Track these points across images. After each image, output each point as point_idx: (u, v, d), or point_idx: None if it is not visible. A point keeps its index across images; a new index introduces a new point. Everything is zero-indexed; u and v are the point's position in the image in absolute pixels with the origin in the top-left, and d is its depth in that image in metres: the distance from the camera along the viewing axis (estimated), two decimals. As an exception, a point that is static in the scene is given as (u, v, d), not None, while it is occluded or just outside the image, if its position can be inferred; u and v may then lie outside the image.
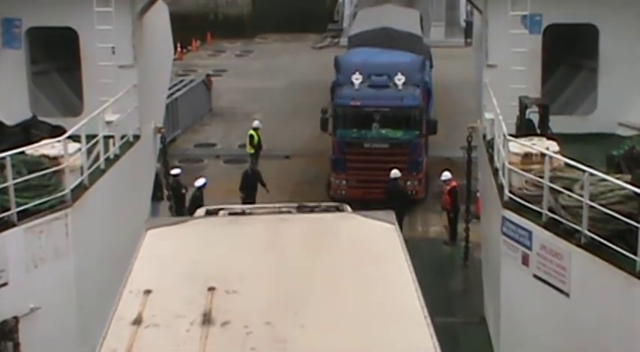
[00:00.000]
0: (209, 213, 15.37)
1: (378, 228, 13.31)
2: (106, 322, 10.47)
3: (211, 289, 11.04)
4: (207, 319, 10.41)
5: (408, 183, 30.54)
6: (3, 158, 15.98)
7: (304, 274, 11.73)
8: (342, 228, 13.53)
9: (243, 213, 14.99)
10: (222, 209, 15.67)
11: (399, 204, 27.99)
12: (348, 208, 15.44)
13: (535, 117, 20.33)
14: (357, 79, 31.69)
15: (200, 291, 11.03)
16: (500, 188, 17.63)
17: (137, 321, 10.42)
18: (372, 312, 10.55)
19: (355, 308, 10.66)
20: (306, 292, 11.16)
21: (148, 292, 11.09)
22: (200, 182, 28.03)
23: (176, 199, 27.16)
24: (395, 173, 28.53)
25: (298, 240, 13.10)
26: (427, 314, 10.54)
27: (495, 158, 19.20)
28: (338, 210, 15.25)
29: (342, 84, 32.51)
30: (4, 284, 15.94)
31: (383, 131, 31.26)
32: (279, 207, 15.33)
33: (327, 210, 15.11)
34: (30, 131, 20.41)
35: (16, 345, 15.97)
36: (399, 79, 31.51)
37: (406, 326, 10.26)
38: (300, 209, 15.04)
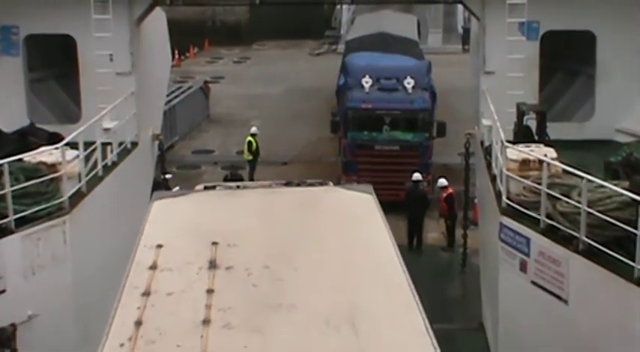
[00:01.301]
0: (207, 188, 16.60)
1: (358, 197, 14.90)
2: (126, 270, 11.99)
3: (215, 243, 12.57)
4: (213, 265, 12.00)
5: None
6: (1, 165, 15.98)
7: (294, 232, 13.29)
8: (326, 197, 15.15)
9: (237, 188, 16.73)
10: (218, 185, 17.11)
11: (420, 207, 28.24)
12: (331, 184, 16.77)
13: (533, 124, 20.36)
14: (367, 82, 32.26)
15: (205, 245, 12.53)
16: (498, 194, 17.64)
17: (153, 267, 12.01)
18: (354, 259, 12.23)
19: (339, 257, 12.30)
20: (296, 246, 12.68)
21: (159, 246, 12.61)
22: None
23: None
24: (417, 176, 28.79)
25: (287, 206, 14.71)
26: (403, 265, 12.03)
27: (493, 164, 19.22)
28: (322, 185, 16.60)
29: (351, 87, 33.06)
30: (2, 292, 15.92)
31: (393, 133, 31.93)
32: (269, 184, 16.95)
33: (311, 185, 16.60)
34: (28, 138, 20.38)
35: (14, 352, 15.97)
36: (409, 83, 32.14)
37: (382, 268, 12.01)
38: (288, 184, 16.65)
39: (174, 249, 12.58)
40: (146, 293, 11.30)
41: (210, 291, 11.30)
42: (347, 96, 32.96)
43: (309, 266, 12.10)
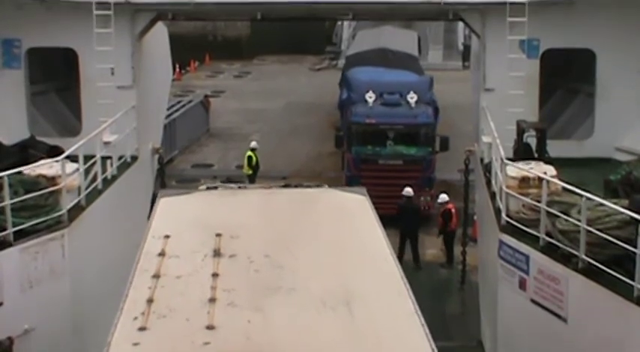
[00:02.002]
0: (209, 188, 17.58)
1: (352, 198, 16.00)
2: (135, 257, 12.96)
3: (218, 235, 13.54)
4: (217, 253, 12.98)
5: (422, 198, 31.33)
6: (0, 178, 15.97)
7: (292, 226, 14.41)
8: (322, 197, 16.39)
9: (239, 188, 17.82)
10: (220, 186, 18.49)
11: (413, 221, 28.18)
12: (326, 186, 17.71)
13: (532, 141, 20.37)
14: (370, 97, 32.53)
15: (209, 236, 13.53)
16: (498, 212, 17.63)
17: (161, 254, 12.98)
18: (348, 250, 13.30)
19: (334, 247, 13.34)
20: (295, 238, 13.72)
21: (167, 237, 13.60)
22: None
23: None
24: (407, 191, 28.76)
25: (286, 204, 15.92)
26: (394, 255, 13.19)
27: (493, 181, 19.21)
28: (318, 187, 17.75)
29: (355, 102, 33.41)
30: (-1, 305, 15.91)
31: (397, 148, 32.12)
32: (269, 186, 18.19)
33: (308, 187, 17.77)
34: (28, 151, 20.39)
35: (11, 366, 15.92)
36: (412, 97, 32.44)
37: (374, 257, 13.05)
38: (286, 186, 17.88)
39: (181, 239, 13.58)
40: (156, 276, 12.23)
41: (215, 275, 12.22)
42: (351, 110, 33.19)
43: (306, 255, 13.04)
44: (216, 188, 17.67)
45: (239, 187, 17.96)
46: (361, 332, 10.75)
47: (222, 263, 12.67)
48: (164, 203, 15.73)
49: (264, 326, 10.84)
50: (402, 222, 27.93)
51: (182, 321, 10.93)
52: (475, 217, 26.28)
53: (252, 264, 12.66)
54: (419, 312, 11.15)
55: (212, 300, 11.41)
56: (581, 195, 14.80)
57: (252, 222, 14.51)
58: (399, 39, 45.15)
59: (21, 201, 16.35)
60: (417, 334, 10.68)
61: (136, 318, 10.97)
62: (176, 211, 15.31)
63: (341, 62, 55.61)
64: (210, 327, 10.71)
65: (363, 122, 32.20)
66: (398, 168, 31.84)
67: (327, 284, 11.92)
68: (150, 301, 11.43)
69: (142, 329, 10.78)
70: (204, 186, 17.85)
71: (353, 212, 15.20)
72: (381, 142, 32.10)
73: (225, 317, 11.01)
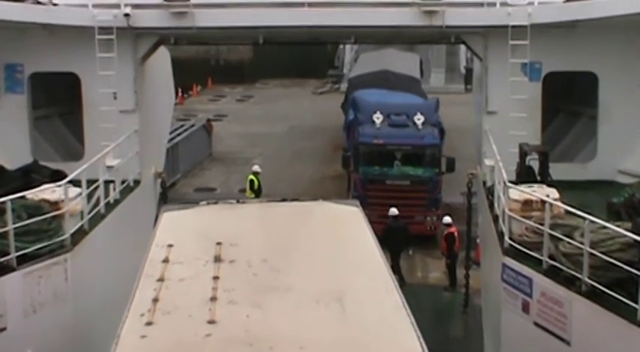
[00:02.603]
0: (210, 204, 18.26)
1: (346, 209, 16.84)
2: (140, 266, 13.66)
3: (219, 243, 14.27)
4: (218, 259, 13.74)
5: (428, 218, 31.96)
6: (3, 202, 15.96)
7: (289, 235, 15.32)
8: (317, 209, 17.11)
9: (238, 202, 18.69)
10: (220, 201, 19.15)
11: (400, 241, 28.18)
12: (321, 200, 18.32)
13: (535, 164, 20.38)
14: (377, 118, 32.94)
15: (210, 245, 14.26)
16: (501, 235, 17.60)
17: (165, 261, 13.75)
18: (342, 254, 14.09)
19: (329, 253, 14.09)
20: (291, 244, 14.61)
21: (170, 245, 14.33)
22: None
23: None
24: (393, 211, 29.03)
25: (282, 215, 16.78)
26: (384, 259, 13.98)
27: (495, 205, 19.19)
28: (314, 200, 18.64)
29: (362, 122, 33.72)
30: (3, 329, 15.79)
31: (404, 168, 32.45)
32: (266, 200, 19.32)
33: (304, 201, 18.67)
34: (31, 175, 20.42)
35: (14, 391, 15.87)
36: (419, 119, 32.85)
37: (365, 261, 13.88)
38: (283, 201, 18.55)
39: (184, 248, 14.33)
40: (160, 279, 13.02)
41: (216, 278, 13.01)
42: (358, 131, 33.49)
43: (302, 260, 13.90)
44: (216, 203, 18.46)
45: (238, 202, 18.72)
46: (352, 323, 11.63)
47: (223, 267, 13.48)
48: (167, 217, 16.38)
49: (262, 320, 11.62)
50: (389, 242, 27.91)
51: (185, 317, 11.72)
52: (478, 240, 26.25)
53: (250, 268, 13.44)
54: (406, 306, 11.97)
55: (213, 299, 12.20)
56: (584, 218, 14.78)
57: (251, 232, 15.43)
58: (402, 61, 45.47)
59: (24, 225, 16.34)
60: (404, 323, 11.52)
61: (142, 315, 11.74)
62: (178, 223, 15.99)
63: (343, 86, 55.84)
64: (211, 322, 11.51)
65: (370, 142, 32.57)
66: (405, 188, 32.17)
67: (321, 285, 12.73)
68: (155, 300, 12.21)
69: (149, 323, 11.58)
70: (204, 202, 18.42)
71: (346, 221, 16.03)
72: (389, 163, 32.46)
73: (225, 313, 11.79)
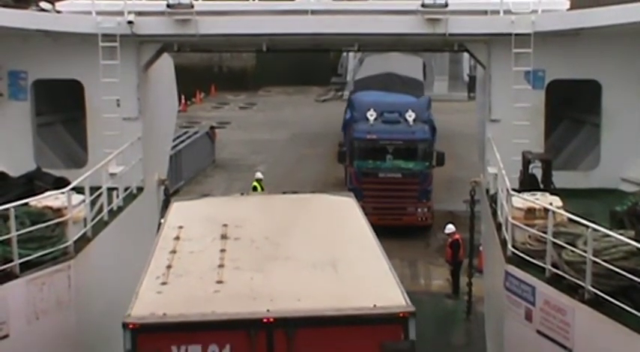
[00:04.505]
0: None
1: (341, 200, 19.11)
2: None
3: (225, 225, 16.41)
4: (224, 237, 15.90)
5: (419, 210, 33.97)
6: (7, 209, 15.97)
7: (288, 218, 17.43)
8: (314, 199, 19.68)
9: (241, 194, 21.53)
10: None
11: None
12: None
13: (538, 172, 20.37)
14: (371, 115, 34.82)
15: (217, 226, 16.42)
16: (504, 243, 17.59)
17: (177, 238, 15.97)
18: (336, 232, 16.28)
19: (324, 231, 16.31)
20: (291, 227, 16.64)
21: (180, 227, 16.56)
22: None
23: None
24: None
25: (283, 205, 19.20)
26: (375, 236, 15.95)
27: (498, 212, 19.18)
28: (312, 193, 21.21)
29: (357, 120, 35.69)
30: (5, 337, 15.77)
31: (396, 162, 34.41)
32: (268, 193, 21.84)
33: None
34: (34, 182, 20.39)
35: (16, 398, 15.84)
36: (410, 115, 34.71)
37: (358, 236, 16.05)
38: (284, 193, 20.93)
39: (193, 228, 16.53)
40: (173, 252, 15.13)
41: (222, 250, 15.12)
42: (353, 127, 35.42)
43: (300, 237, 15.98)
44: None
45: (241, 194, 21.55)
46: (344, 281, 13.66)
47: (229, 243, 15.53)
48: (177, 205, 18.80)
49: (264, 281, 13.60)
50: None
51: (196, 278, 13.79)
52: (481, 248, 26.23)
53: (253, 243, 15.54)
54: (393, 271, 13.91)
55: (220, 266, 14.26)
56: (587, 226, 14.75)
57: (254, 216, 17.61)
58: (405, 64, 46.05)
59: (27, 232, 16.34)
60: (390, 282, 13.45)
61: (158, 277, 13.75)
62: (187, 210, 18.27)
63: (346, 93, 56.00)
64: (219, 282, 13.52)
65: (364, 138, 34.70)
66: (397, 180, 34.37)
67: (317, 254, 14.74)
68: (169, 267, 14.27)
69: (164, 283, 13.59)
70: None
71: (340, 207, 18.31)
72: (381, 157, 34.59)
73: (231, 276, 13.80)
